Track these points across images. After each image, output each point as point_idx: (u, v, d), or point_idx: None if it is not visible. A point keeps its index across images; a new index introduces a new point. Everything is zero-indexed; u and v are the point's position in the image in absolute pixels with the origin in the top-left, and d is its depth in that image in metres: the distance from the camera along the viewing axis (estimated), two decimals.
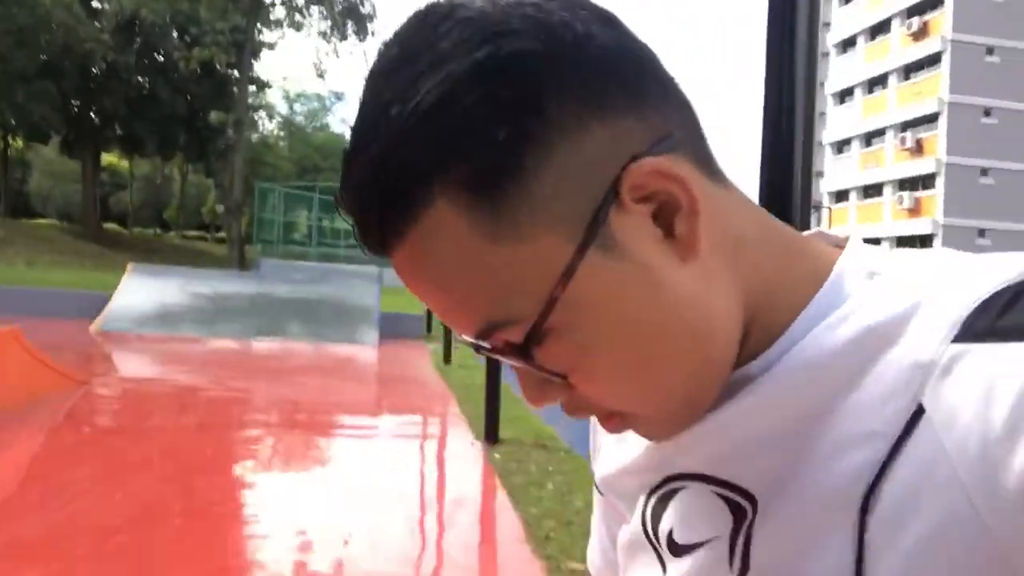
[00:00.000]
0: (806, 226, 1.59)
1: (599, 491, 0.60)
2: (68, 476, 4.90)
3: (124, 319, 12.04)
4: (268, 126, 48.31)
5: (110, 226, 39.29)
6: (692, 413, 0.44)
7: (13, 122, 32.31)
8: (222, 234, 43.20)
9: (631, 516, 0.53)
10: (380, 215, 0.41)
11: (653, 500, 0.50)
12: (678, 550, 0.48)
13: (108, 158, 41.36)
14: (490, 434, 6.33)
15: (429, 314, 15.27)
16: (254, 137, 39.14)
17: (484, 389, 6.56)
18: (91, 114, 32.64)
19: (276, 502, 4.69)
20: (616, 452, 0.55)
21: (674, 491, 0.49)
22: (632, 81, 0.41)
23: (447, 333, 11.24)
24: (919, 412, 0.38)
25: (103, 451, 5.54)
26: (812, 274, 0.45)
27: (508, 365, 0.44)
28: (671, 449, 0.48)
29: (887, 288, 0.42)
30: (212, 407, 7.57)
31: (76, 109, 32.03)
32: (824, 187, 42.29)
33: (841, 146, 42.48)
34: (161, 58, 31.30)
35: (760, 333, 0.44)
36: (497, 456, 5.89)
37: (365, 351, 12.03)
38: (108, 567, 3.49)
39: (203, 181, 48.57)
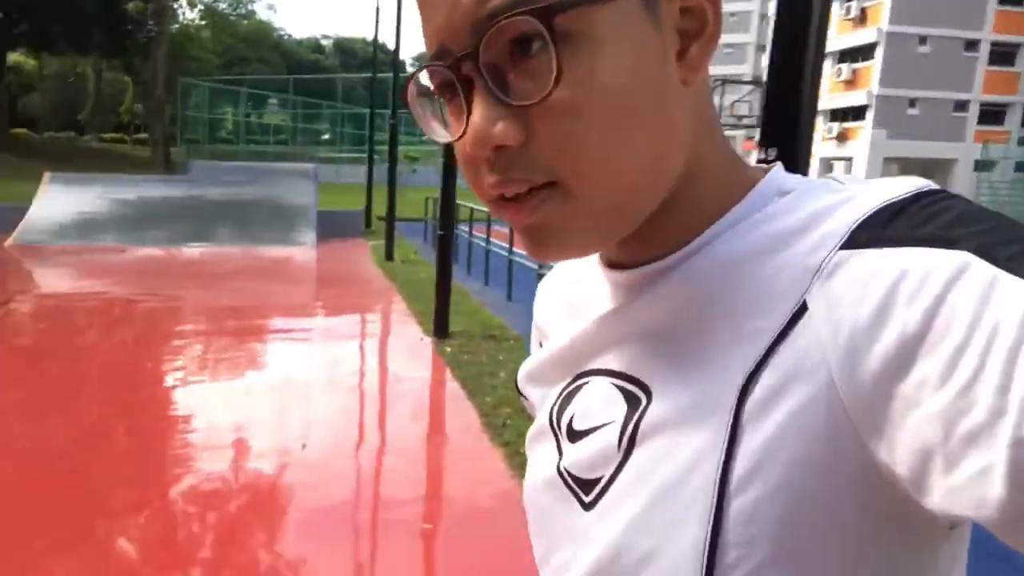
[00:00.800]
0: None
1: (519, 392, 0.63)
2: None
3: (43, 231, 11.43)
4: (189, 15, 45.00)
5: (19, 131, 36.77)
6: (617, 223, 0.45)
7: None
8: (143, 135, 40.94)
9: (542, 413, 0.56)
10: None
11: (562, 397, 0.54)
12: (575, 436, 0.51)
13: (15, 57, 38.17)
14: (439, 328, 6.25)
15: (368, 211, 14.84)
16: (174, 28, 36.45)
17: (432, 284, 6.42)
18: None
19: (228, 410, 4.56)
20: (540, 353, 0.59)
21: (580, 387, 0.52)
22: None
23: (389, 227, 10.97)
24: (803, 309, 0.41)
25: (32, 373, 5.27)
26: (740, 185, 0.48)
27: (481, 82, 0.42)
28: (585, 346, 0.52)
29: (791, 203, 0.45)
30: (147, 317, 7.27)
31: None
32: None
33: None
34: None
35: (682, 219, 0.47)
36: (448, 349, 5.83)
37: (305, 251, 11.71)
38: (56, 490, 3.34)
39: (120, 79, 45.48)
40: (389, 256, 10.63)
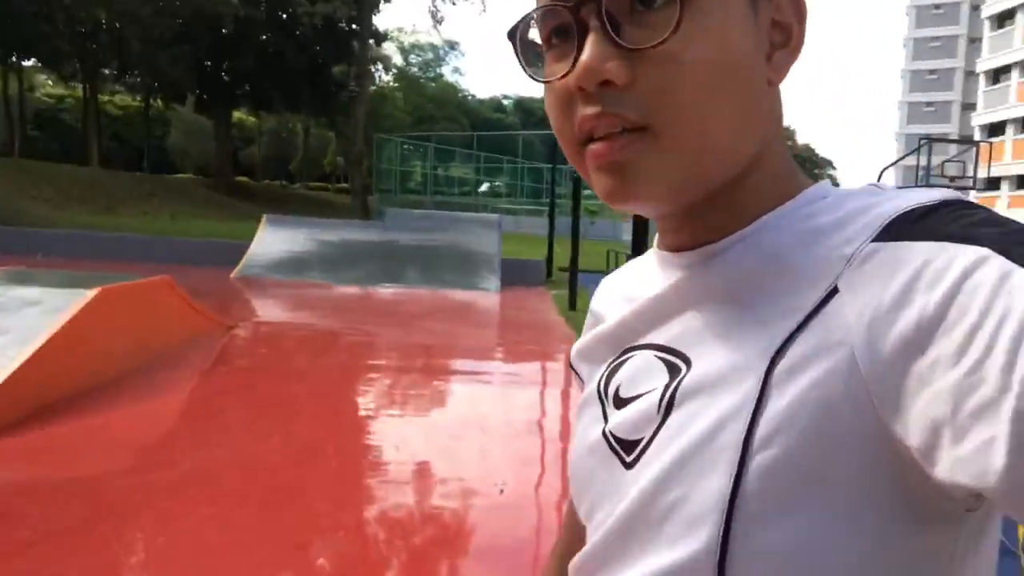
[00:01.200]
0: None
1: (572, 368, 0.66)
2: (226, 418, 5.09)
3: (261, 266, 12.61)
4: (384, 78, 49.05)
5: (241, 179, 41.32)
6: (693, 179, 0.49)
7: (156, 84, 34.30)
8: (342, 184, 44.58)
9: (590, 385, 0.61)
10: None
11: (609, 368, 0.58)
12: (621, 403, 0.55)
13: (238, 115, 43.30)
14: None
15: (549, 260, 15.10)
16: (371, 89, 39.86)
17: None
18: (222, 74, 34.12)
19: (424, 443, 4.68)
20: (593, 332, 0.63)
21: (626, 360, 0.57)
22: None
23: (572, 278, 11.04)
24: (834, 292, 0.45)
25: (254, 393, 5.73)
26: (793, 187, 0.53)
27: (598, 25, 0.47)
28: (634, 323, 0.57)
29: (832, 203, 0.50)
30: (351, 350, 7.74)
31: (209, 70, 33.54)
32: (976, 120, 38.57)
33: (998, 75, 38.46)
34: (285, 16, 32.10)
35: (737, 207, 0.52)
36: None
37: (489, 297, 12.04)
38: (274, 503, 3.56)
39: (324, 134, 50.10)
40: (572, 306, 10.66)
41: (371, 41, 32.31)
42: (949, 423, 0.38)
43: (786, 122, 0.57)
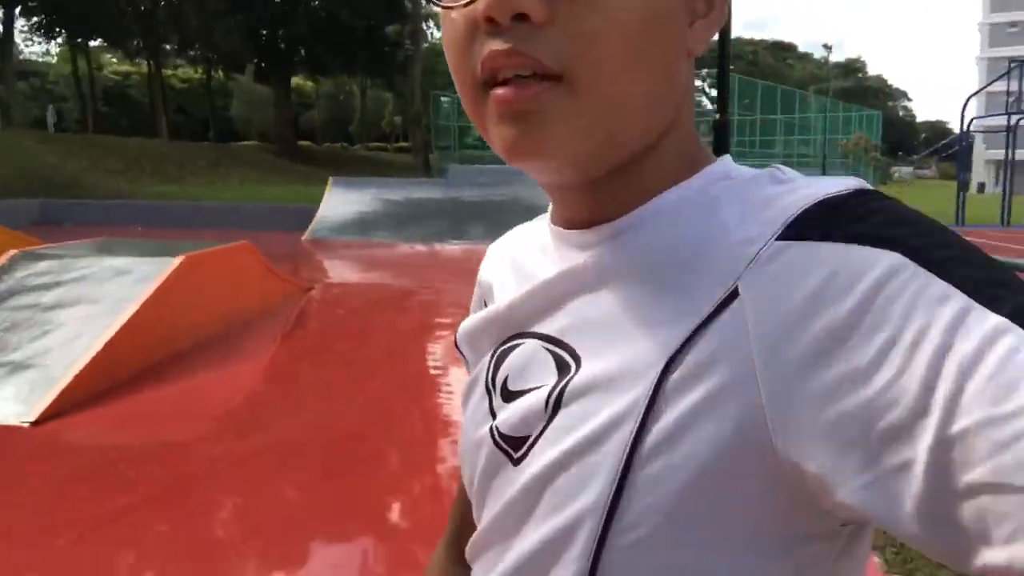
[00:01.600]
0: None
1: (457, 348, 0.62)
2: (308, 381, 5.13)
3: (330, 228, 12.77)
4: (437, 35, 48.69)
5: (302, 143, 41.85)
6: (604, 138, 0.45)
7: (215, 56, 34.84)
8: (401, 144, 44.75)
9: (477, 370, 0.57)
10: None
11: (497, 353, 0.54)
12: (509, 396, 0.52)
13: (296, 81, 43.69)
14: None
15: None
16: (425, 46, 39.59)
17: None
18: (278, 42, 34.34)
19: None
20: (481, 313, 0.58)
21: (513, 347, 0.53)
22: None
23: None
24: (733, 295, 0.41)
25: (336, 356, 5.79)
26: (696, 162, 0.49)
27: None
28: (524, 308, 0.53)
29: (733, 189, 0.46)
30: (425, 310, 7.75)
31: (265, 38, 33.80)
32: None
33: None
34: None
35: (642, 180, 0.48)
36: None
37: None
38: (364, 468, 3.56)
39: (380, 95, 50.21)
40: None
41: None
42: (856, 446, 0.35)
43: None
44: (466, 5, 0.43)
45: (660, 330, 0.43)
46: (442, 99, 32.02)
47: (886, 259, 0.37)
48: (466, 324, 0.60)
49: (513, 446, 0.50)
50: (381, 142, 52.34)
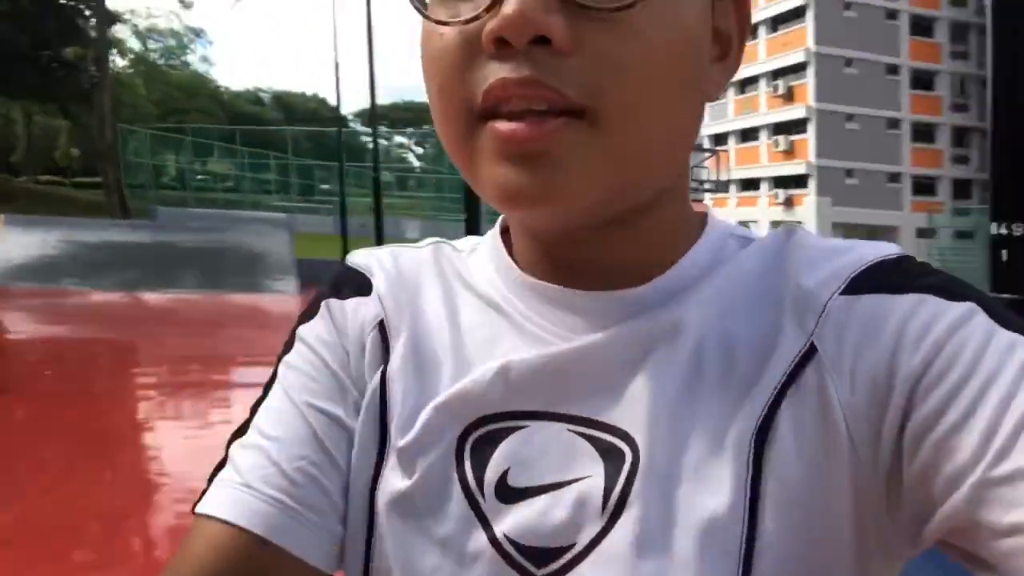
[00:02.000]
0: None
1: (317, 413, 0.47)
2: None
3: (3, 274, 10.74)
4: (120, 63, 44.04)
5: None
6: (626, 182, 0.40)
7: None
8: (81, 179, 39.60)
9: (423, 467, 0.44)
10: None
11: (471, 440, 0.44)
12: (512, 496, 0.42)
13: None
14: None
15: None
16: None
17: None
18: None
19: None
20: (457, 388, 0.45)
21: (510, 430, 0.43)
22: None
23: None
24: (811, 351, 0.40)
25: (52, 424, 4.84)
26: (693, 217, 0.47)
27: None
28: (523, 383, 0.43)
29: (766, 248, 0.45)
30: (174, 365, 6.83)
31: None
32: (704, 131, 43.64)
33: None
34: None
35: (650, 237, 0.44)
36: None
37: (287, 300, 11.33)
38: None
39: (51, 123, 43.91)
40: None
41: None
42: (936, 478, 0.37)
43: None
44: (467, 22, 0.37)
45: (735, 400, 0.40)
46: (132, 133, 29.15)
47: (958, 307, 0.38)
48: (440, 396, 0.46)
49: (539, 560, 0.41)
50: (54, 175, 45.58)
